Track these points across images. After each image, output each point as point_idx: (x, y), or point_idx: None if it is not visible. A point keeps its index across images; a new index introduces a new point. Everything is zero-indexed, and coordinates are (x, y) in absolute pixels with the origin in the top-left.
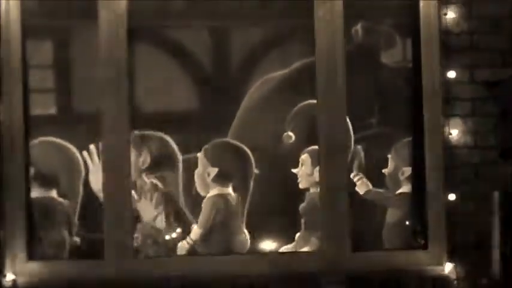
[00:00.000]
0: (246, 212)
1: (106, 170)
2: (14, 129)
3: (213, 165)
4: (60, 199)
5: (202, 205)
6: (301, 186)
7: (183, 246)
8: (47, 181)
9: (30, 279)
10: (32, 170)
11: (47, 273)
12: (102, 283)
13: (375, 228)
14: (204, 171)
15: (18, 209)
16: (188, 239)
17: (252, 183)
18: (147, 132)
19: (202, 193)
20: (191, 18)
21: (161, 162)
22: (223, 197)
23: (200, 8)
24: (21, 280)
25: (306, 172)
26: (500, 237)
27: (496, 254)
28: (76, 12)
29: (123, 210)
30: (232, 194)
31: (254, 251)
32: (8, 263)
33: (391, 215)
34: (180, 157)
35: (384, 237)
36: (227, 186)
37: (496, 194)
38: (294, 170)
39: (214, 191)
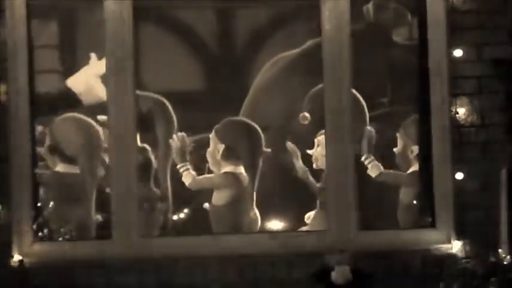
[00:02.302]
0: (255, 190)
1: (111, 149)
2: (19, 110)
3: (223, 143)
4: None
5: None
6: (315, 166)
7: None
8: (70, 157)
9: (37, 259)
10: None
11: (54, 253)
12: (109, 263)
13: (389, 208)
14: (215, 149)
15: (25, 191)
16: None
17: (261, 162)
18: None
19: (215, 171)
20: None
21: None
22: (235, 175)
23: None
24: (28, 261)
25: (321, 153)
26: (508, 215)
27: (504, 232)
28: None
29: (130, 189)
30: (244, 173)
31: (260, 231)
32: (15, 244)
33: (405, 195)
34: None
35: (399, 217)
36: (239, 165)
37: (504, 172)
38: (309, 151)
39: (226, 169)
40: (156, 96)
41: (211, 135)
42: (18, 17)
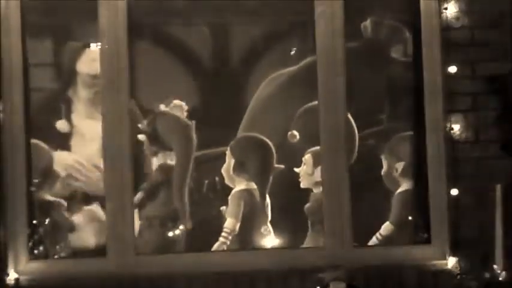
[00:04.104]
0: (269, 207)
1: (107, 167)
2: (14, 128)
3: (237, 159)
4: None
5: (229, 200)
6: (301, 185)
7: (221, 242)
8: None
9: (33, 277)
10: None
11: (50, 271)
12: (104, 281)
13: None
14: (229, 165)
15: (20, 209)
16: (224, 233)
17: (271, 178)
18: None
19: (231, 186)
20: (191, 16)
21: None
22: (249, 191)
23: (200, 4)
24: (23, 279)
25: (306, 172)
26: (502, 231)
27: (498, 248)
28: (76, 10)
29: (125, 206)
30: (257, 189)
31: (256, 248)
32: (10, 262)
33: (395, 214)
34: None
35: (400, 234)
36: (251, 181)
37: (498, 188)
38: (296, 169)
39: (240, 186)
40: (178, 115)
41: (227, 152)
42: (13, 35)
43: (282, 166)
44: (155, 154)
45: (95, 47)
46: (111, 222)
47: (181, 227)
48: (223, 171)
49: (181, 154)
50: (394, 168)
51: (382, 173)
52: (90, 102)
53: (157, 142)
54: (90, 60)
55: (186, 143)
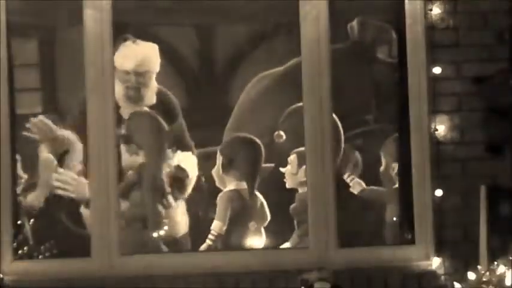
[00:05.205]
0: (266, 207)
1: (91, 167)
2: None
3: (227, 160)
4: None
5: (217, 201)
6: (287, 185)
7: (208, 243)
8: None
9: (18, 278)
10: None
11: (34, 271)
12: (89, 281)
13: (375, 226)
14: (218, 166)
15: (4, 209)
16: (211, 235)
17: (258, 178)
18: None
19: (222, 188)
20: (177, 16)
21: None
22: (237, 192)
23: (186, 5)
24: (8, 279)
25: (291, 172)
26: (487, 232)
27: (483, 248)
28: (61, 10)
29: (109, 206)
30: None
31: (240, 248)
32: None
33: (386, 212)
34: None
35: (385, 235)
36: (242, 181)
37: (483, 189)
38: (282, 169)
39: (230, 186)
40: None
41: (217, 153)
42: None
43: (272, 165)
44: (136, 153)
45: (129, 43)
46: (95, 223)
47: (165, 227)
48: (213, 173)
49: (151, 151)
50: (391, 167)
51: (381, 169)
52: (125, 96)
53: (133, 141)
54: (123, 56)
55: (156, 139)
